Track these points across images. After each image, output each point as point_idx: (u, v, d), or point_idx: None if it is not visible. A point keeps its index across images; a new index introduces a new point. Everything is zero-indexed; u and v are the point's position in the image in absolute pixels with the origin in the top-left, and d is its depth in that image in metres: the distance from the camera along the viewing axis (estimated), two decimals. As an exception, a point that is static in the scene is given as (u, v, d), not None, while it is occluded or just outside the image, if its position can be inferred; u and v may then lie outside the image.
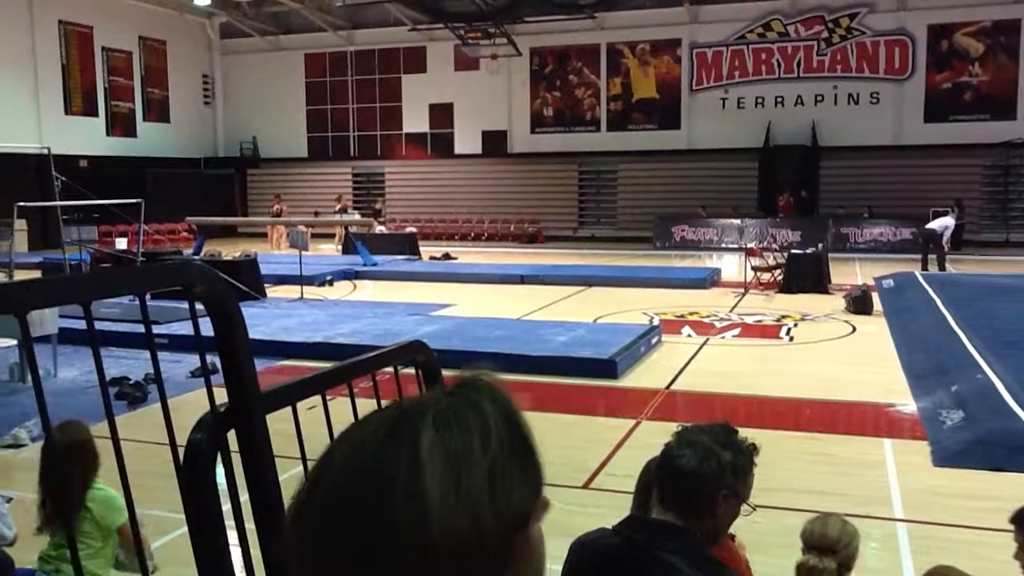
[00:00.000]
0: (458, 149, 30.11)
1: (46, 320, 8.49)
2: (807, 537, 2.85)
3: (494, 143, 29.61)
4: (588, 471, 6.09)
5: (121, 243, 19.48)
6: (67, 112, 26.21)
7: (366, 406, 1.99)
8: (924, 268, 17.33)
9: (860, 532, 5.17)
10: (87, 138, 26.38)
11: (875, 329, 11.60)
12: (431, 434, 0.66)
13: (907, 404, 7.85)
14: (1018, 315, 11.46)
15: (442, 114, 30.15)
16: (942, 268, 17.46)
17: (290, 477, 1.10)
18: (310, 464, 0.74)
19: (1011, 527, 2.89)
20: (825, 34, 26.28)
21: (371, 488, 0.65)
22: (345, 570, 0.65)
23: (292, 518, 0.69)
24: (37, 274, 14.27)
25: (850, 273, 17.68)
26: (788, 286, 15.11)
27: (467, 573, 0.65)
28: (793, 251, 16.60)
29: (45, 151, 16.73)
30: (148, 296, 1.40)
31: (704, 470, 1.93)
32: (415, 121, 30.56)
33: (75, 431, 3.38)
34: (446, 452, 0.65)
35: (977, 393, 7.44)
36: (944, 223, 17.78)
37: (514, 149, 29.51)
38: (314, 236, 23.99)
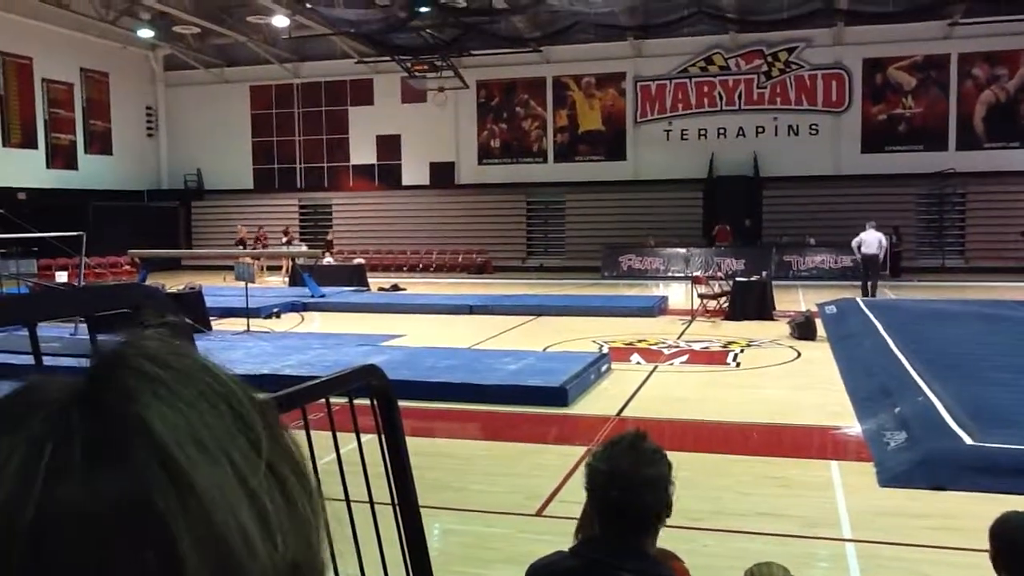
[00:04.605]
0: (406, 180, 30.11)
1: (-18, 355, 8.24)
2: None
3: (442, 174, 29.67)
4: (541, 498, 6.08)
5: (61, 277, 19.02)
6: (5, 144, 25.63)
7: (320, 436, 1.97)
8: (864, 294, 17.70)
9: (810, 553, 5.23)
10: (26, 170, 25.80)
11: (819, 354, 11.80)
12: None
13: (852, 426, 7.99)
14: (956, 338, 11.76)
15: (389, 146, 30.15)
16: (873, 294, 17.74)
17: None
18: None
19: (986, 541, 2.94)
20: (765, 68, 26.94)
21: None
22: None
23: None
24: (-28, 309, 13.85)
25: (793, 300, 17.99)
26: (734, 313, 15.33)
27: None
28: (738, 279, 16.87)
29: (-19, 183, 16.36)
30: (88, 328, 1.38)
31: (652, 493, 1.92)
32: (362, 153, 30.51)
33: None
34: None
35: (919, 415, 7.59)
36: (876, 238, 17.84)
37: (462, 180, 29.60)
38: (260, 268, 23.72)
